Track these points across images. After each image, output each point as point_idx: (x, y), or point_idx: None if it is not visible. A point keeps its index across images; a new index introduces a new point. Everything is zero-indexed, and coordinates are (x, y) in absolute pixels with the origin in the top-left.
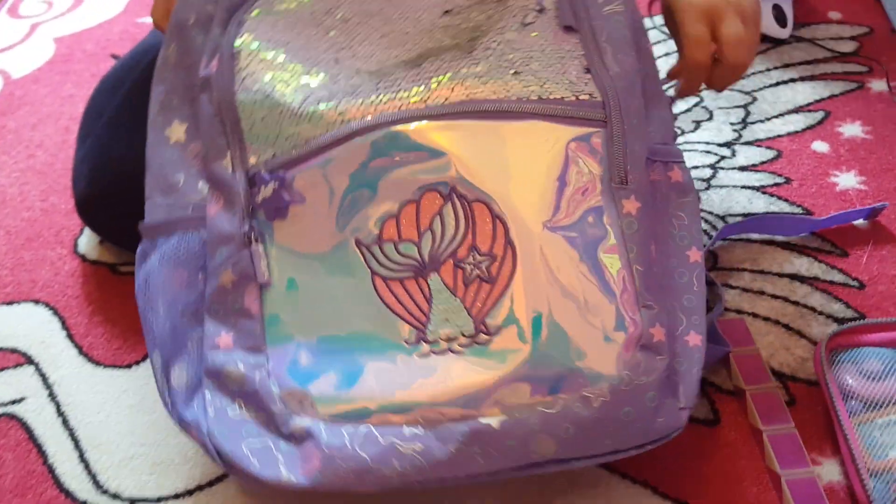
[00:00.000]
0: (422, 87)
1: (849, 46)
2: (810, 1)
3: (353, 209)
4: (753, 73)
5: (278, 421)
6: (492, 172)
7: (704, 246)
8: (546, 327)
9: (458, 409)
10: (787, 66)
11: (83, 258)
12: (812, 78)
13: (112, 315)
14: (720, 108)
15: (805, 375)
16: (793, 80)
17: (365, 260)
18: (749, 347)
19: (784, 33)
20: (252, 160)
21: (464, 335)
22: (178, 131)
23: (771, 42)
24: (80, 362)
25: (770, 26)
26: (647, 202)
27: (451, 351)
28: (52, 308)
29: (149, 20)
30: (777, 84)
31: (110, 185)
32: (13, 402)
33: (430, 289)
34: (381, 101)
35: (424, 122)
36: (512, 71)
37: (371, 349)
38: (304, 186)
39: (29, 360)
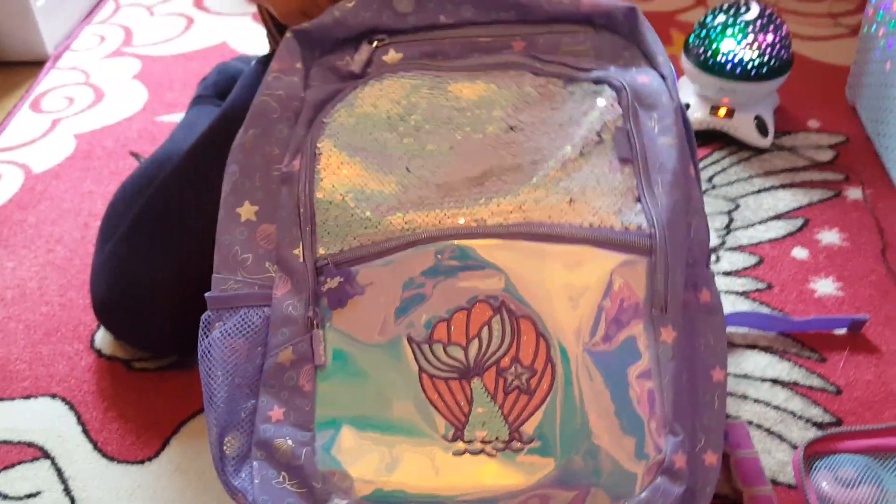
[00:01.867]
0: (483, 207)
1: (827, 155)
2: (790, 110)
3: (408, 308)
4: (737, 181)
5: (318, 498)
6: (540, 292)
7: None
8: (576, 445)
9: None
10: (768, 173)
11: (99, 353)
12: (792, 185)
13: (126, 411)
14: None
15: (785, 479)
16: (774, 188)
17: (415, 356)
18: (748, 450)
19: (766, 142)
20: (321, 251)
21: (498, 440)
22: (249, 211)
23: (753, 151)
24: (94, 457)
25: (751, 135)
26: (683, 331)
27: (486, 453)
28: (68, 403)
29: (167, 118)
30: (759, 191)
31: (127, 293)
32: (30, 497)
33: (471, 391)
34: (445, 214)
35: (483, 240)
36: (568, 198)
37: (411, 438)
38: (365, 281)
39: (45, 455)
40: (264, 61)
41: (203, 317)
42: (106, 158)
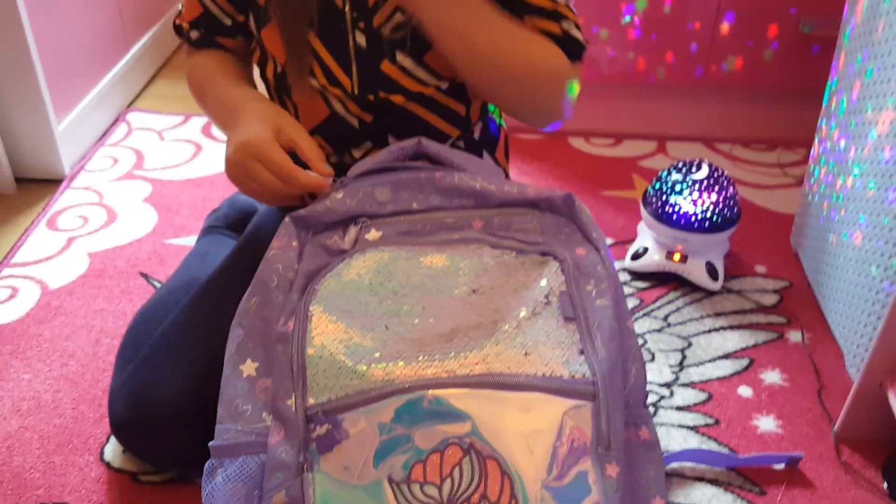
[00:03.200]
0: (453, 360)
1: (771, 299)
2: (740, 255)
3: (388, 451)
4: (690, 320)
5: None
6: (503, 435)
7: None
8: None
9: None
10: (718, 315)
11: (108, 465)
12: (739, 327)
13: None
14: (661, 350)
15: None
16: (723, 329)
17: (395, 495)
18: None
19: (716, 286)
20: (311, 401)
21: None
22: (250, 368)
23: (705, 292)
24: None
25: (703, 279)
26: (625, 466)
27: None
28: None
29: (176, 241)
30: (710, 331)
31: (145, 414)
32: None
33: None
34: (420, 366)
35: (453, 389)
36: (523, 352)
37: None
38: (350, 426)
39: None
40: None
41: (207, 464)
42: (117, 278)
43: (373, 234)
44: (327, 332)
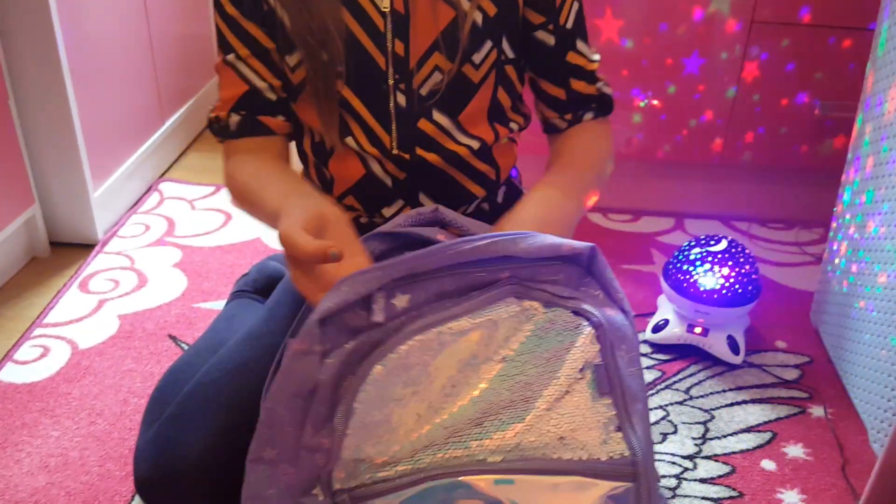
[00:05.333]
0: (484, 446)
1: (792, 374)
2: (760, 331)
3: None
4: (712, 394)
5: None
6: None
7: None
8: None
9: None
10: (740, 388)
11: None
12: (761, 401)
13: None
14: (684, 423)
15: None
16: (745, 402)
17: None
18: None
19: (737, 359)
20: (337, 486)
21: None
22: (270, 454)
23: (726, 366)
24: None
25: (724, 353)
26: None
27: None
28: None
29: (204, 305)
30: (732, 405)
31: (170, 472)
32: None
33: None
34: (452, 454)
35: (485, 476)
36: (558, 436)
37: None
38: None
39: None
40: None
41: None
42: (146, 339)
43: (399, 300)
44: (359, 444)
